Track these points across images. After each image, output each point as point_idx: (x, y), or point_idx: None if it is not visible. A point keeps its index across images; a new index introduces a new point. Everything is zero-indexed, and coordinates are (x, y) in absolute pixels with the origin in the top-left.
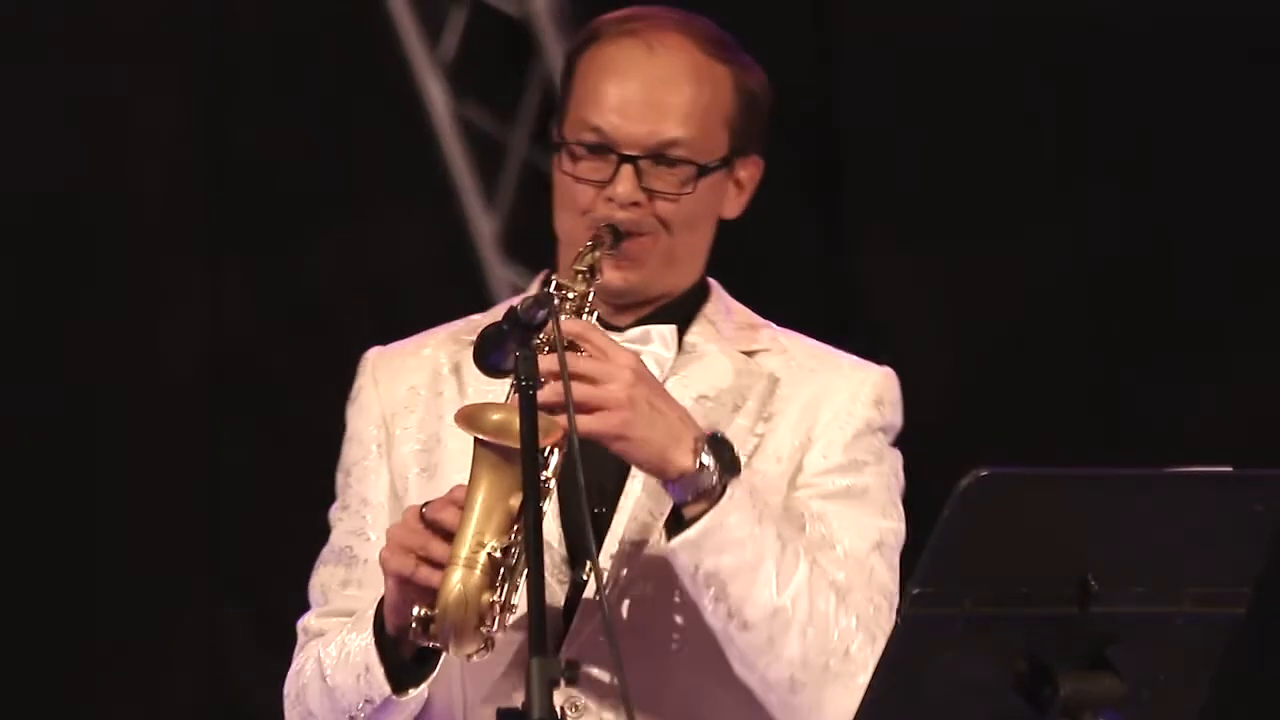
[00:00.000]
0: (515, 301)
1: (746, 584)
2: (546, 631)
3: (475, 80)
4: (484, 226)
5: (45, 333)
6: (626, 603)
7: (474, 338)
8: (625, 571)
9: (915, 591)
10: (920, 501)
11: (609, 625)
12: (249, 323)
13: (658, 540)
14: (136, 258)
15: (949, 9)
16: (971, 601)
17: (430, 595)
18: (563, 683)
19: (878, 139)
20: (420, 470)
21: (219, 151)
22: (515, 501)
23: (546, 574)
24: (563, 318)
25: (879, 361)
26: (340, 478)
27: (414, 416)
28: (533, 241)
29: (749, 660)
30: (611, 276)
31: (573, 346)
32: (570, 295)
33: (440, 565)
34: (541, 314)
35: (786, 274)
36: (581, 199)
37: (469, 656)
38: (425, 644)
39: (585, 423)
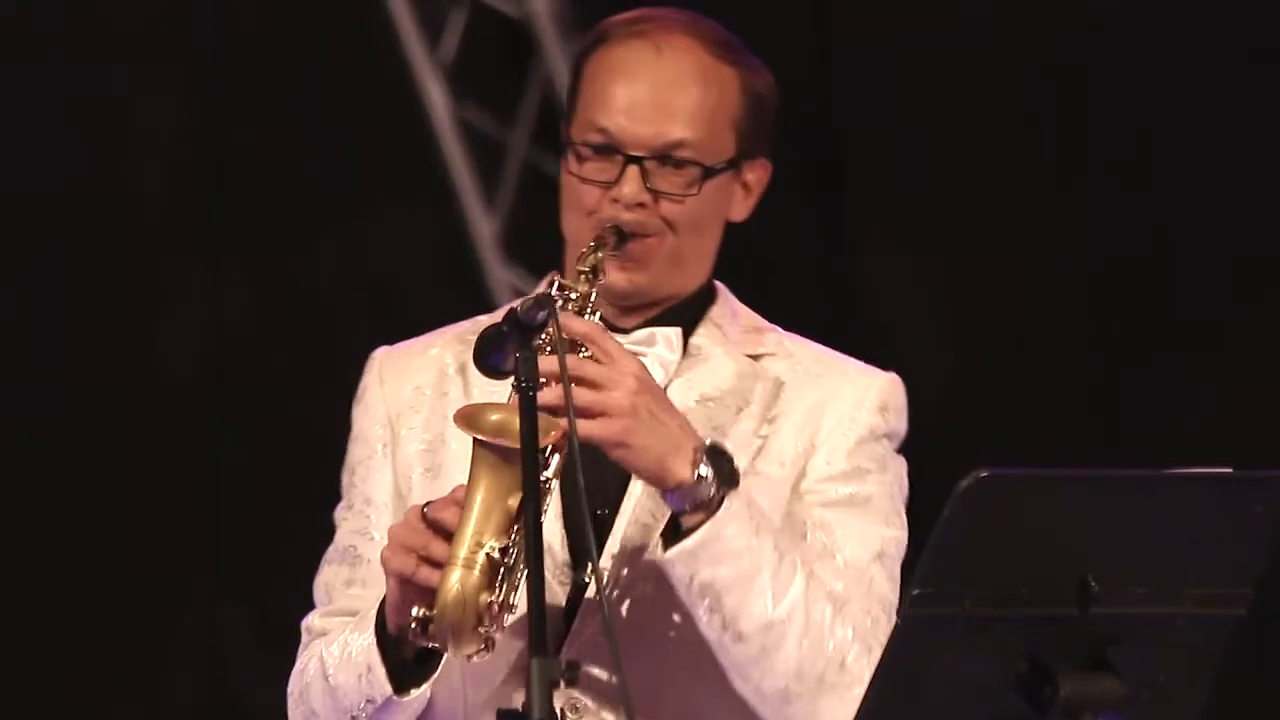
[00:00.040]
0: (518, 303)
1: (741, 596)
2: (547, 632)
3: (475, 81)
4: (484, 227)
5: (45, 333)
6: (627, 604)
7: None
8: (626, 573)
9: (915, 592)
10: (920, 502)
11: (609, 627)
12: (249, 323)
13: (656, 547)
14: (136, 258)
15: (949, 9)
16: (972, 602)
17: (430, 595)
18: (563, 684)
19: (878, 139)
20: (424, 470)
21: (219, 151)
22: (514, 502)
23: (548, 575)
24: (571, 318)
25: (884, 367)
26: (345, 477)
27: (419, 416)
28: (533, 243)
29: (743, 671)
30: (616, 278)
31: (574, 348)
32: (573, 296)
33: (441, 565)
34: (541, 315)
35: (786, 274)
36: (587, 200)
37: (468, 657)
38: (424, 644)
39: (586, 427)
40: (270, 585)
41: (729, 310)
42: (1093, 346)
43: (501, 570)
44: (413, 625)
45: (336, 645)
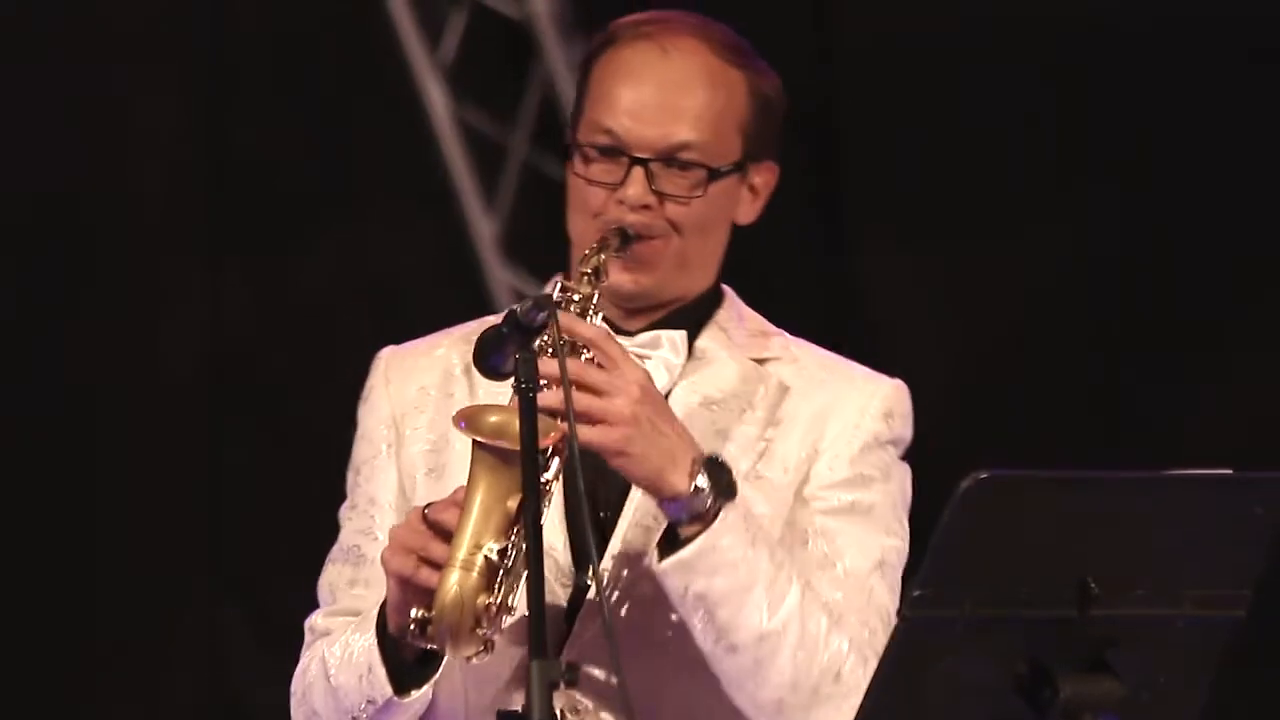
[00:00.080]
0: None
1: (735, 608)
2: (547, 634)
3: (475, 82)
4: (484, 229)
5: (45, 333)
6: (628, 606)
7: None
8: (627, 575)
9: (915, 593)
10: (920, 503)
11: (609, 629)
12: (249, 323)
13: (652, 556)
14: (136, 258)
15: (949, 9)
16: (971, 603)
17: (429, 596)
18: (563, 685)
19: (878, 139)
20: (428, 471)
21: (219, 151)
22: (513, 504)
23: (549, 577)
24: (578, 322)
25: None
26: (350, 476)
27: (424, 417)
28: (532, 244)
29: (737, 682)
30: (621, 280)
31: (577, 351)
32: (575, 298)
33: (440, 566)
34: (541, 316)
35: (786, 274)
36: (593, 201)
37: (467, 659)
38: (423, 645)
39: (586, 434)
40: (270, 585)
41: (735, 314)
42: (1093, 346)
43: (500, 572)
44: (411, 627)
45: (338, 646)
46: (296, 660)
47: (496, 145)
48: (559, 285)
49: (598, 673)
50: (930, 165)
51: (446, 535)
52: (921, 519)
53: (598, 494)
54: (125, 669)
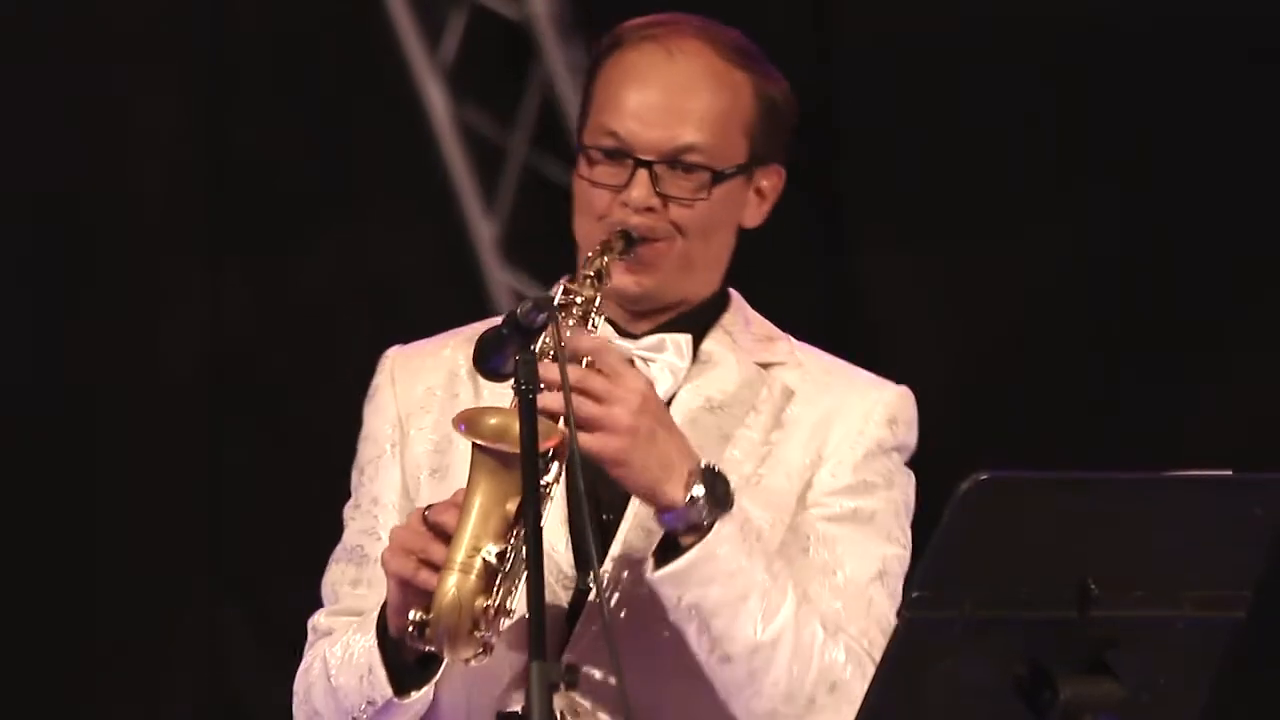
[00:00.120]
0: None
1: (729, 619)
2: (546, 636)
3: (475, 84)
4: (483, 230)
5: (45, 333)
6: (629, 609)
7: None
8: (628, 578)
9: (915, 594)
10: (920, 503)
11: (609, 631)
12: (249, 323)
13: (648, 566)
14: (136, 258)
15: (949, 9)
16: (971, 605)
17: (428, 598)
18: (563, 687)
19: (878, 139)
20: (431, 471)
21: (219, 151)
22: (512, 506)
23: (551, 579)
24: (577, 333)
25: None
26: (355, 475)
27: (429, 417)
28: (532, 245)
29: (732, 692)
30: (625, 281)
31: (577, 356)
32: (577, 300)
33: (440, 568)
34: (541, 318)
35: (786, 274)
36: (598, 204)
37: (466, 661)
38: (421, 647)
39: (585, 441)
40: (270, 585)
41: (741, 318)
42: (1093, 346)
43: (498, 575)
44: (409, 629)
45: (339, 646)
46: (296, 660)
47: (496, 146)
48: (562, 288)
49: (598, 675)
50: (930, 165)
51: (446, 537)
52: (921, 520)
53: (600, 496)
54: (125, 669)
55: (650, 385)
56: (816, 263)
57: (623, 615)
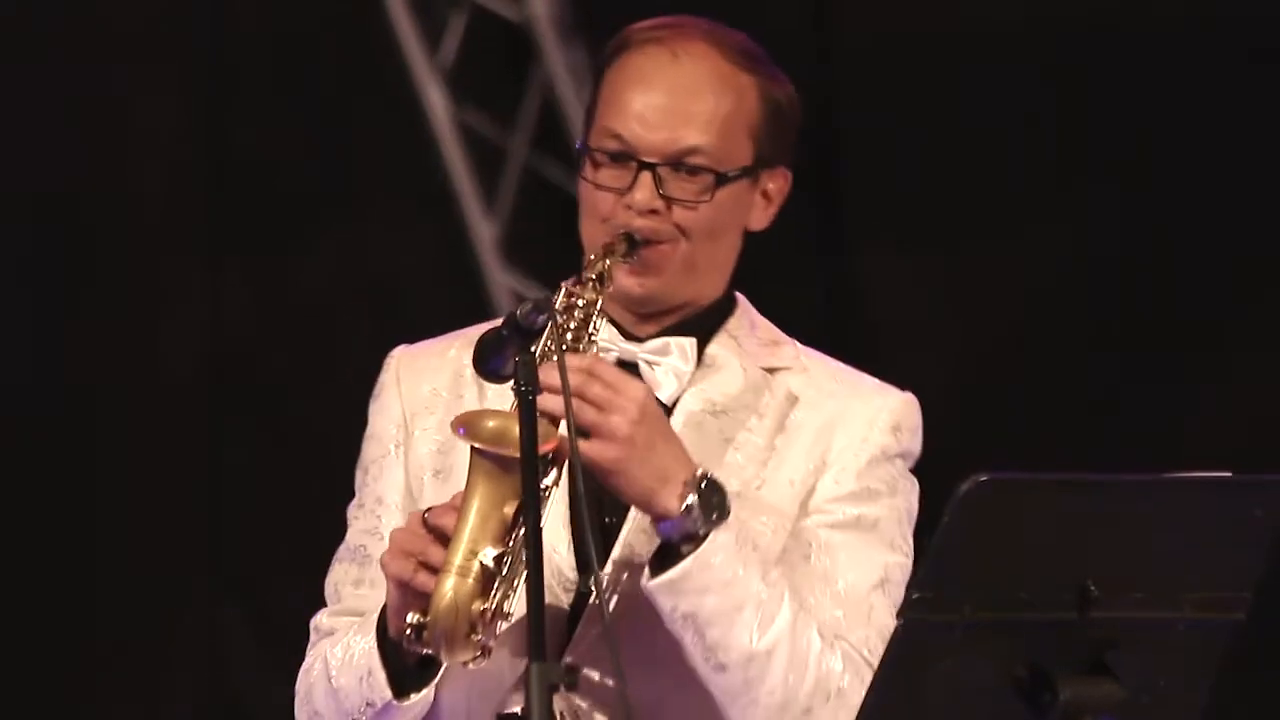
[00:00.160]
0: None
1: (724, 628)
2: (547, 638)
3: (475, 85)
4: (483, 231)
5: (45, 333)
6: (630, 612)
7: None
8: (629, 580)
9: (914, 596)
10: (921, 504)
11: (609, 633)
12: (249, 323)
13: (644, 575)
14: (136, 258)
15: (949, 9)
16: (971, 607)
17: (427, 601)
18: (563, 688)
19: (878, 139)
20: (435, 472)
21: (219, 151)
22: (510, 510)
23: (552, 581)
24: (570, 356)
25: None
26: (359, 475)
27: (434, 418)
28: (532, 246)
29: (728, 700)
30: (628, 284)
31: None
32: (579, 303)
33: (439, 571)
34: (541, 319)
35: (786, 274)
36: (602, 206)
37: (464, 664)
38: (418, 650)
39: (582, 447)
40: (270, 585)
41: (747, 322)
42: (1093, 346)
43: (495, 579)
44: (407, 631)
45: (340, 647)
46: (296, 660)
47: (496, 148)
48: (564, 291)
49: (598, 676)
50: (930, 165)
51: (445, 540)
52: (921, 521)
53: (602, 498)
54: (125, 669)
55: (650, 394)
56: (816, 263)
57: (624, 618)
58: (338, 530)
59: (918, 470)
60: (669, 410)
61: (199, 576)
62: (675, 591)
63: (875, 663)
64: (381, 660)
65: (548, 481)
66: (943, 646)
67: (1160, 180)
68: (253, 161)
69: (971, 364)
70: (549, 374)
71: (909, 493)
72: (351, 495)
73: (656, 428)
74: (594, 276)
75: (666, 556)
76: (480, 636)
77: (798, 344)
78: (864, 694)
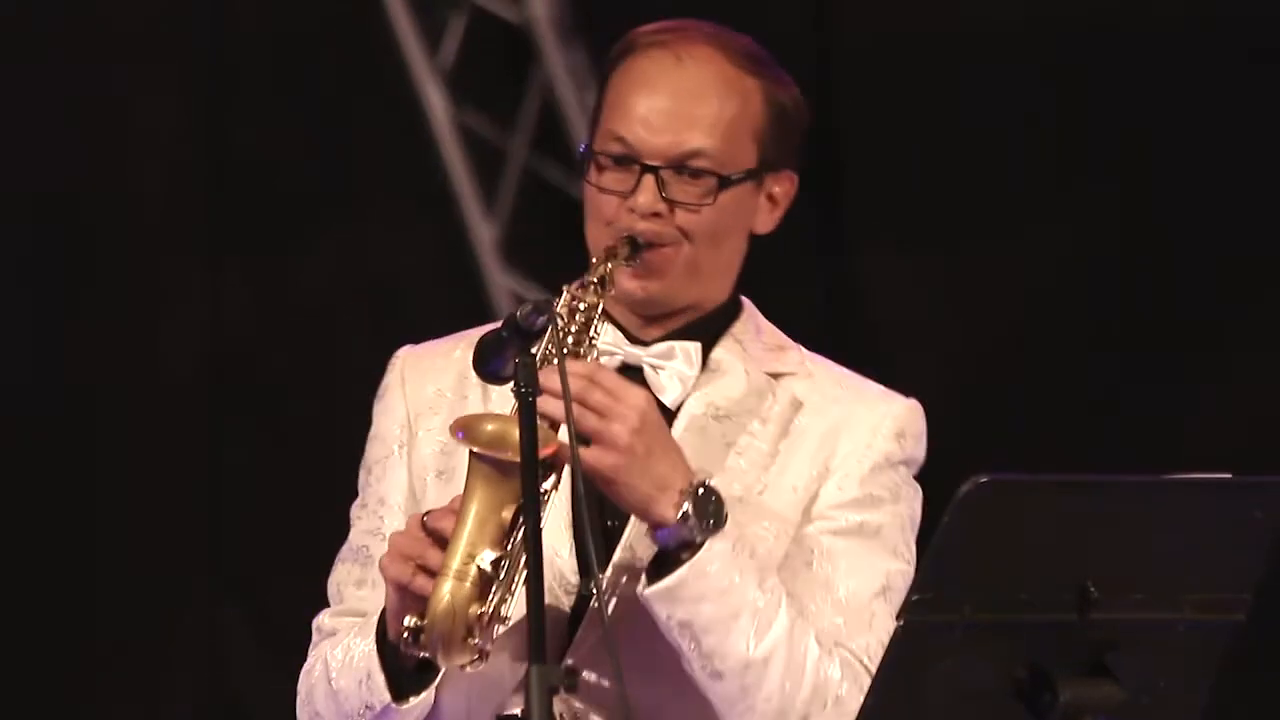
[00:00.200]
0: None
1: (720, 636)
2: (548, 641)
3: (475, 87)
4: (483, 233)
5: (45, 333)
6: (631, 615)
7: None
8: (630, 584)
9: (914, 598)
10: (922, 506)
11: (609, 636)
12: (249, 323)
13: (641, 583)
14: (136, 258)
15: (949, 9)
16: (971, 608)
17: (425, 604)
18: (563, 690)
19: (878, 139)
20: (438, 473)
21: (219, 151)
22: (508, 514)
23: (554, 584)
24: (570, 362)
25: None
26: (362, 475)
27: (438, 419)
28: (532, 248)
29: (724, 707)
30: (631, 287)
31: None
32: (581, 306)
33: (436, 575)
34: (541, 320)
35: (786, 274)
36: (606, 209)
37: (461, 667)
38: (415, 654)
39: (581, 454)
40: (270, 585)
41: (753, 326)
42: (1093, 346)
43: (493, 582)
44: (404, 635)
45: (340, 649)
46: (296, 660)
47: (496, 149)
48: (564, 293)
49: (598, 679)
50: (930, 165)
51: (444, 543)
52: (922, 522)
53: (605, 502)
54: (125, 669)
55: (650, 402)
56: (816, 263)
57: (624, 621)
58: (338, 530)
59: (919, 472)
60: (673, 414)
61: (199, 576)
62: (671, 599)
63: (874, 670)
64: (380, 663)
65: (546, 486)
66: (942, 647)
67: (1160, 180)
68: (253, 161)
69: (971, 364)
70: (549, 378)
71: (912, 500)
72: (352, 494)
73: (656, 436)
74: (595, 280)
75: (663, 564)
76: (477, 640)
77: (803, 349)
78: (859, 704)
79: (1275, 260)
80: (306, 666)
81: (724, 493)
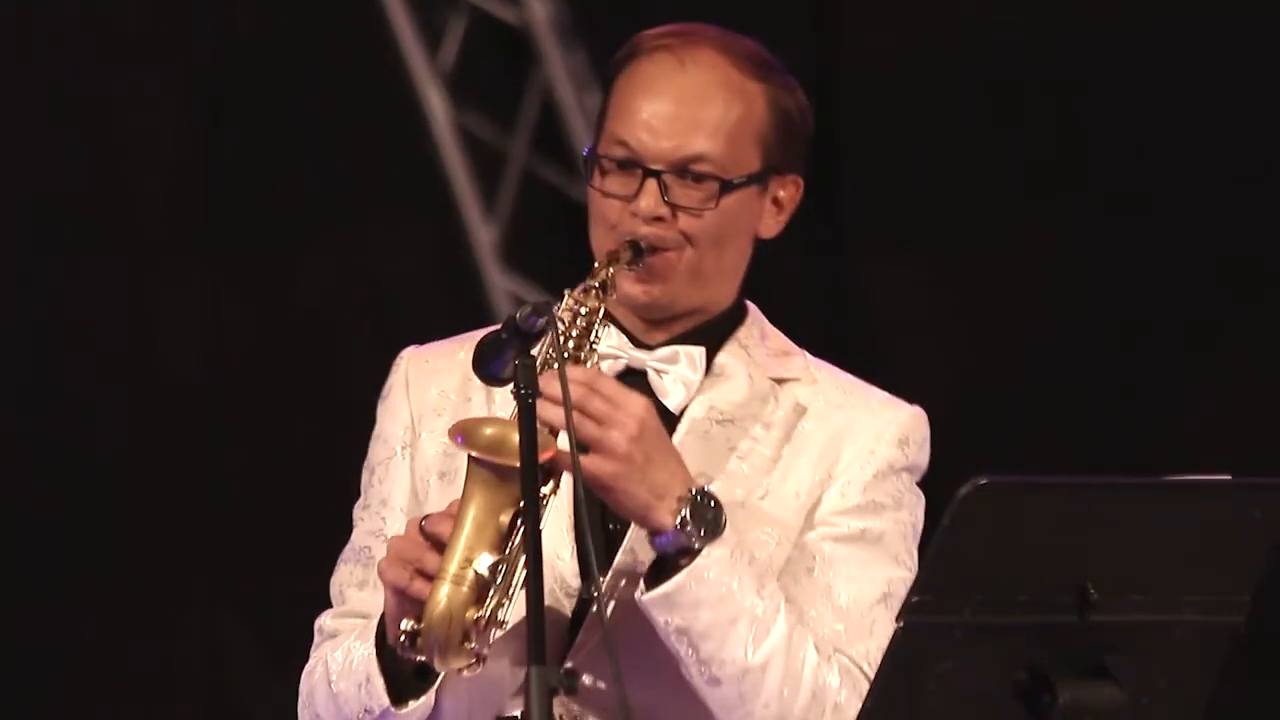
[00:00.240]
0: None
1: (718, 643)
2: (549, 644)
3: (475, 89)
4: (483, 235)
5: (45, 333)
6: (632, 618)
7: None
8: (632, 588)
9: (914, 599)
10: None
11: (609, 640)
12: (249, 324)
13: (640, 589)
14: (136, 258)
15: (949, 18)
16: (971, 610)
17: (422, 608)
18: (562, 692)
19: (878, 141)
20: (441, 475)
21: (218, 152)
22: (506, 518)
23: (555, 587)
24: (570, 369)
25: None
26: (365, 475)
27: (441, 420)
28: (532, 250)
29: (722, 713)
30: (634, 290)
31: (579, 364)
32: (582, 310)
33: (434, 579)
34: (540, 322)
35: (786, 277)
36: (610, 214)
37: (459, 672)
38: (413, 658)
39: (580, 461)
40: (270, 585)
41: (758, 331)
42: (1093, 348)
43: (490, 587)
44: (401, 639)
45: (340, 652)
46: (296, 660)
47: (496, 151)
48: (566, 296)
49: (598, 682)
50: (930, 168)
51: (442, 547)
52: (924, 524)
53: (607, 505)
54: (125, 669)
55: (650, 410)
56: (817, 264)
57: (625, 624)
58: (337, 530)
59: (921, 476)
60: (676, 419)
61: (199, 576)
62: (669, 605)
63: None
64: (380, 667)
65: (545, 491)
66: (942, 649)
67: (1160, 181)
68: (252, 162)
69: (971, 365)
70: (549, 383)
71: (915, 507)
72: (351, 494)
73: (655, 443)
74: (597, 284)
75: (662, 570)
76: (474, 644)
77: (808, 355)
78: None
79: (1275, 260)
80: (308, 668)
81: (725, 498)
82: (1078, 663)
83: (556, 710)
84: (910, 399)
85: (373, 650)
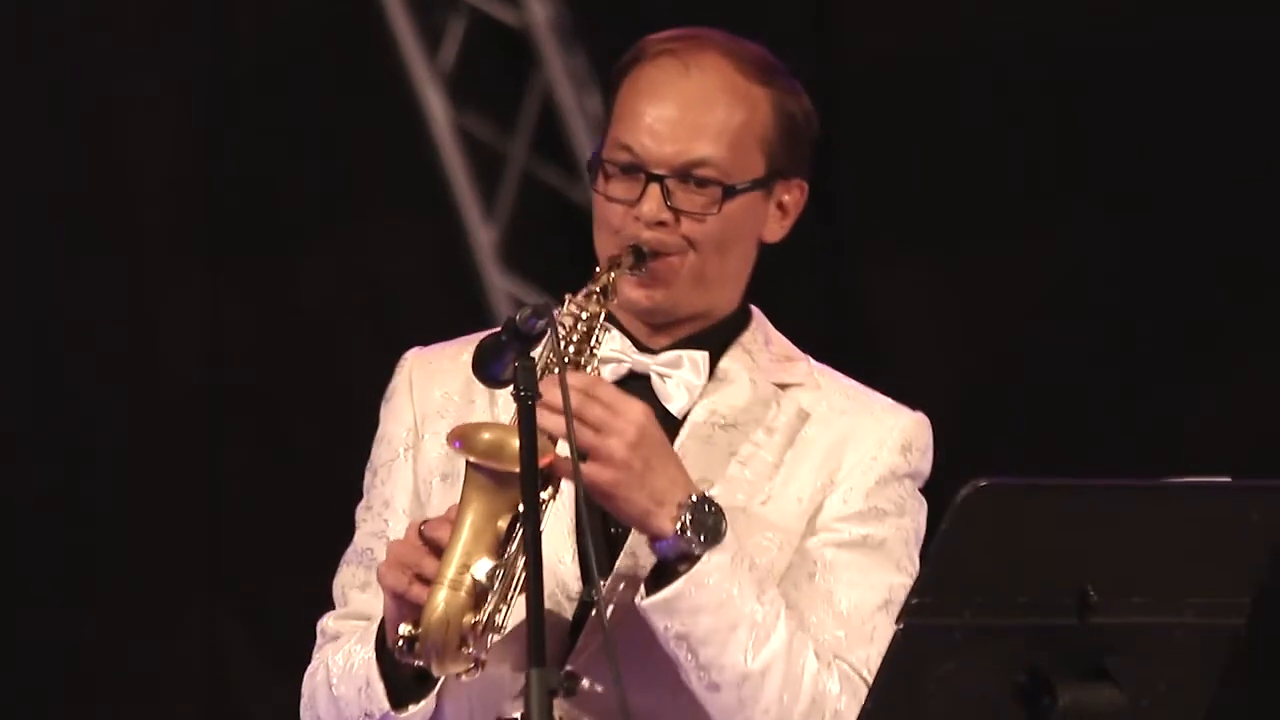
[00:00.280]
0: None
1: (717, 649)
2: (550, 647)
3: (474, 90)
4: (482, 236)
5: (45, 334)
6: (633, 622)
7: None
8: (632, 591)
9: (914, 601)
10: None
11: (609, 642)
12: (249, 324)
13: (640, 594)
14: (136, 258)
15: (949, 18)
16: (970, 612)
17: (420, 613)
18: (562, 694)
19: (877, 141)
20: (443, 477)
21: (218, 153)
22: (504, 523)
23: (556, 591)
24: (569, 374)
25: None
26: (368, 476)
27: (445, 422)
28: (531, 251)
29: (722, 718)
30: (637, 295)
31: (579, 369)
32: (583, 315)
33: (432, 583)
34: (540, 324)
35: (785, 278)
36: (613, 218)
37: (457, 676)
38: (410, 662)
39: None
40: (270, 586)
41: (762, 336)
42: (1093, 348)
43: (488, 592)
44: (399, 643)
45: (341, 654)
46: (296, 660)
47: (496, 153)
48: (567, 303)
49: (598, 686)
50: (930, 169)
51: (440, 552)
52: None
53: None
54: (125, 669)
55: (649, 416)
56: (816, 265)
57: (626, 628)
58: (338, 530)
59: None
60: (679, 423)
61: (199, 576)
62: (669, 611)
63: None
64: (380, 672)
65: (544, 496)
66: (942, 651)
67: (1160, 181)
68: (252, 163)
69: (971, 366)
70: (548, 390)
71: (917, 513)
72: (350, 494)
73: (655, 450)
74: (598, 289)
75: (662, 576)
76: (471, 649)
77: (811, 360)
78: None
79: (1275, 260)
80: (310, 669)
81: (726, 502)
82: (1078, 665)
83: (557, 713)
84: (910, 399)
85: (373, 654)
